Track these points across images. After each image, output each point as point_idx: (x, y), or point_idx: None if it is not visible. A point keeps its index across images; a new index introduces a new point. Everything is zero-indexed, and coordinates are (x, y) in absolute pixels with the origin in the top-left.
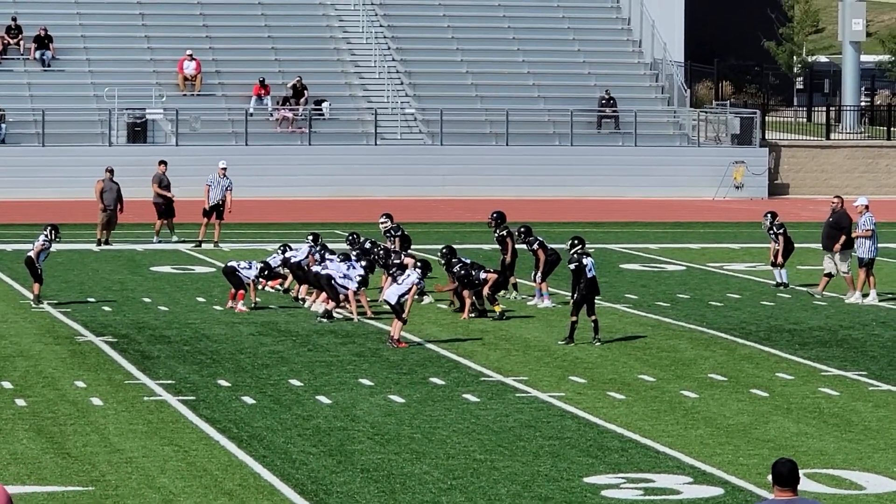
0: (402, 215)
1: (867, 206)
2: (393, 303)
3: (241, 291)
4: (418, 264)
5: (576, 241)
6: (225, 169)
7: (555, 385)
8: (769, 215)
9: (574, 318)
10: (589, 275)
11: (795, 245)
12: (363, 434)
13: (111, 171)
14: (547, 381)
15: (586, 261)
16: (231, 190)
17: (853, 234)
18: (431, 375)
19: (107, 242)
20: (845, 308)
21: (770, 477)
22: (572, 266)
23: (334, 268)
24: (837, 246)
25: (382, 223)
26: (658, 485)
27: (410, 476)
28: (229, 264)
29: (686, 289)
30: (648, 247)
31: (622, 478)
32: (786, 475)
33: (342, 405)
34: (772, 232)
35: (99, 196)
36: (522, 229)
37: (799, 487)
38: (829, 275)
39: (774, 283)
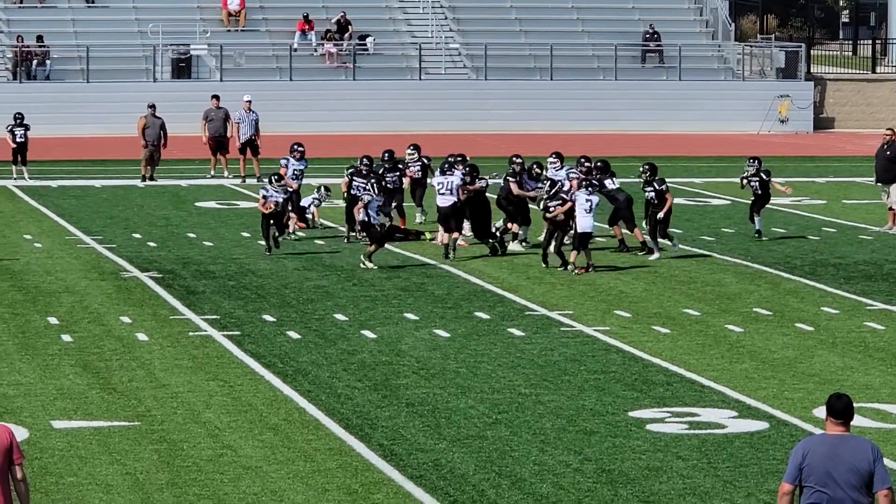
0: (447, 150)
1: None
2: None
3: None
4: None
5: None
6: (250, 102)
7: (599, 319)
8: (755, 161)
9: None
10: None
11: (841, 179)
12: (408, 368)
13: (153, 107)
14: (592, 315)
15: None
16: (258, 122)
17: None
18: (476, 310)
19: (151, 178)
20: (891, 242)
21: (823, 410)
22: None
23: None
24: None
25: (410, 153)
26: (703, 419)
27: (455, 410)
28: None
29: (731, 223)
30: (693, 181)
31: (667, 412)
32: (841, 409)
33: (387, 340)
34: (752, 178)
35: (141, 132)
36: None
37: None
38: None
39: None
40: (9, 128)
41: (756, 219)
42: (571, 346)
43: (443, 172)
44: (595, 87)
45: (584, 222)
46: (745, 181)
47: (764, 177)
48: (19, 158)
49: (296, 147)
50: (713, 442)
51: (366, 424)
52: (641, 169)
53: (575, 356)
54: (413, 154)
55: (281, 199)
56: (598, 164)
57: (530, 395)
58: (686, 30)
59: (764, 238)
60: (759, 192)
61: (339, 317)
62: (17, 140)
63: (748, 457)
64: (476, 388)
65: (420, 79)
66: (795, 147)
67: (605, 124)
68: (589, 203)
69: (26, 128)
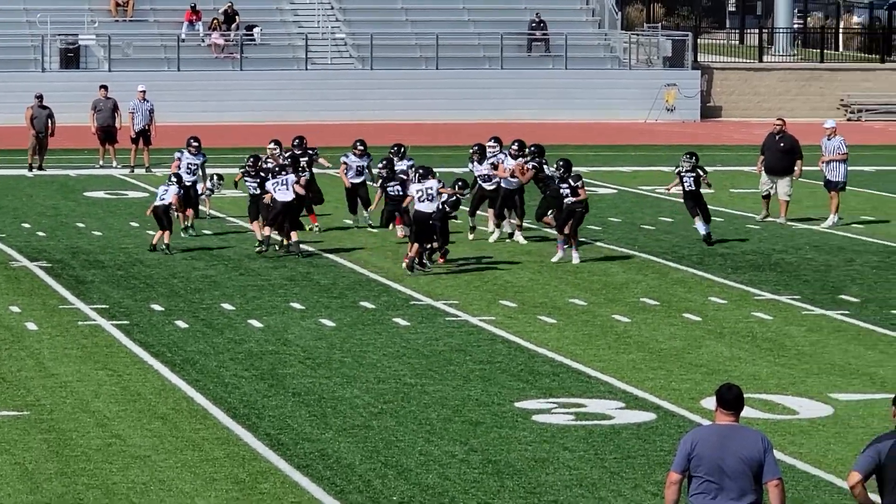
0: (334, 140)
1: (836, 129)
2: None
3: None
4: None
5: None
6: (144, 92)
7: (485, 309)
8: (691, 156)
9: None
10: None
11: (728, 168)
12: (294, 358)
13: (40, 98)
14: (477, 304)
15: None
16: (153, 112)
17: (824, 159)
18: (362, 299)
19: (40, 168)
20: (778, 232)
21: (712, 401)
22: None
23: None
24: (798, 171)
25: (272, 149)
26: (590, 409)
27: (341, 400)
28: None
29: (617, 212)
30: (579, 170)
31: (553, 402)
32: (731, 400)
33: (273, 329)
34: (687, 174)
35: (29, 122)
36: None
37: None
38: (768, 196)
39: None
40: None
41: (700, 224)
42: (457, 336)
43: (419, 180)
44: (481, 77)
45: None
46: (679, 176)
47: (700, 172)
48: None
49: (191, 141)
50: (600, 433)
51: (253, 414)
52: (556, 165)
53: (460, 346)
54: (275, 149)
55: (167, 201)
56: (533, 148)
57: (416, 385)
58: (572, 18)
59: (713, 243)
60: (693, 188)
61: (227, 306)
62: None
63: (635, 448)
64: (362, 378)
65: (306, 69)
66: (682, 136)
67: (492, 113)
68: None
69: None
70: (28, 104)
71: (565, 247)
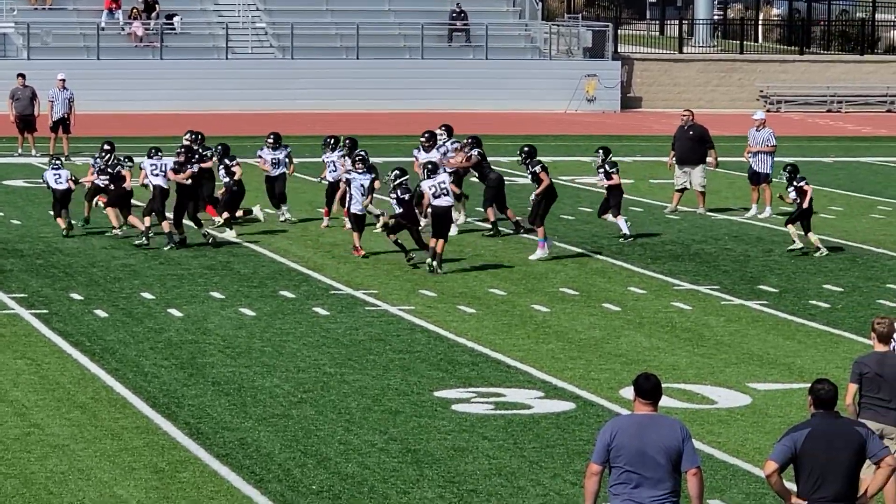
0: (255, 129)
1: (765, 121)
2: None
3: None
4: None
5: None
6: (63, 80)
7: (404, 298)
8: (601, 151)
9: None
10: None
11: (647, 159)
12: (214, 347)
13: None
14: (396, 294)
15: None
16: (73, 101)
17: (750, 150)
18: (281, 288)
19: None
20: (697, 222)
21: (630, 391)
22: None
23: None
24: (713, 161)
25: (187, 139)
26: (509, 399)
27: (261, 389)
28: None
29: None
30: (500, 160)
31: (473, 392)
32: (649, 389)
33: (193, 318)
34: (602, 170)
35: None
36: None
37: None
38: (683, 190)
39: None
40: None
41: (621, 220)
42: (376, 326)
43: (428, 176)
44: (402, 67)
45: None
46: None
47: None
48: None
49: (268, 139)
50: (519, 422)
51: (172, 403)
52: (518, 152)
53: (380, 335)
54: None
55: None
56: (469, 139)
57: (335, 374)
58: (493, 8)
59: (629, 239)
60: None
61: (146, 295)
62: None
63: (554, 437)
64: (281, 367)
65: (227, 58)
66: (602, 126)
67: (413, 103)
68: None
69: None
70: None
71: (545, 242)
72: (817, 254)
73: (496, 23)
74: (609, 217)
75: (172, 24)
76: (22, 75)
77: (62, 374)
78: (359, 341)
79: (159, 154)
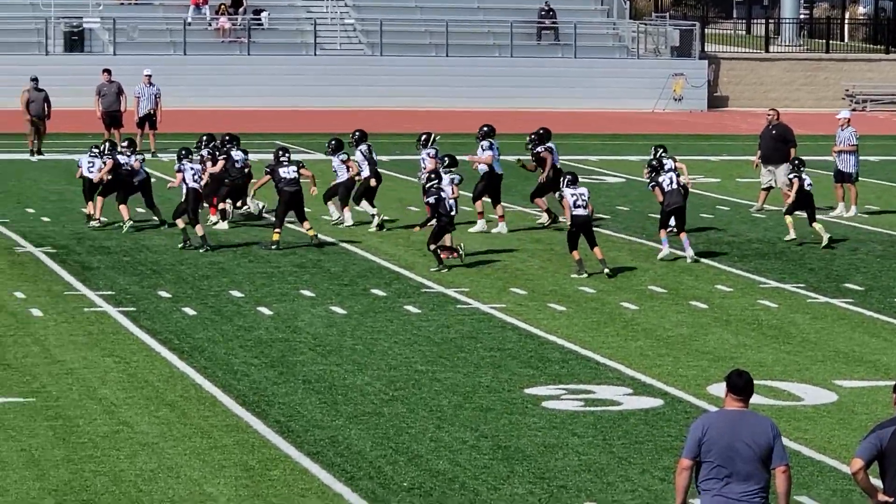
0: (341, 127)
1: (849, 120)
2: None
3: None
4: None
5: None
6: (150, 76)
7: (495, 296)
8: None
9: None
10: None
11: (734, 158)
12: (305, 345)
13: (35, 80)
14: (487, 292)
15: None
16: (160, 97)
17: (836, 149)
18: (373, 287)
19: (39, 152)
20: (783, 221)
21: (720, 387)
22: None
23: None
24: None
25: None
26: (598, 396)
27: (352, 387)
28: None
29: (626, 201)
30: (588, 158)
31: (563, 389)
32: (742, 386)
33: (283, 316)
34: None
35: (25, 106)
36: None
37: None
38: (769, 188)
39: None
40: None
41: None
42: (467, 324)
43: (569, 184)
44: (490, 65)
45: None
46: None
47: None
48: None
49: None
50: (608, 419)
51: (262, 401)
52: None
53: (471, 333)
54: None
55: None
56: (540, 131)
57: (427, 372)
58: (581, 7)
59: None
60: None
61: (235, 293)
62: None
63: (643, 434)
64: (373, 365)
65: (315, 54)
66: (689, 125)
67: (501, 101)
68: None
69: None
70: (24, 87)
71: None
72: (822, 245)
73: (584, 21)
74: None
75: (260, 19)
76: (108, 71)
77: (151, 371)
78: (450, 339)
79: (190, 156)
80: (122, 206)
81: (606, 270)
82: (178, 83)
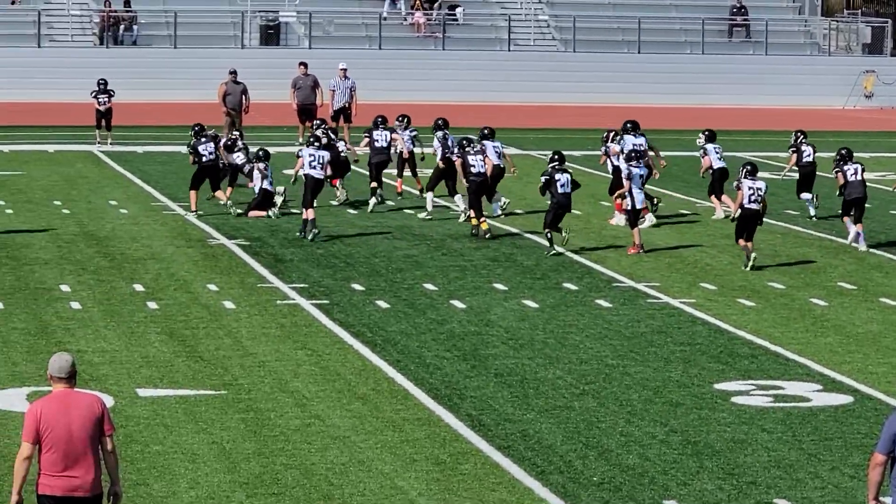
0: (533, 122)
1: None
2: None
3: None
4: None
5: (554, 157)
6: (345, 70)
7: (685, 291)
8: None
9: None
10: (560, 190)
11: None
12: (497, 339)
13: (234, 73)
14: (678, 287)
15: (559, 176)
16: (355, 90)
17: None
18: (564, 281)
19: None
20: None
21: None
22: (543, 179)
23: None
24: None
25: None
26: (788, 392)
27: (544, 381)
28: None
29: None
30: (778, 155)
31: (752, 384)
32: None
33: (476, 310)
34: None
35: (221, 99)
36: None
37: None
38: None
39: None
40: (92, 94)
41: (850, 225)
42: (658, 318)
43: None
44: (682, 61)
45: (640, 198)
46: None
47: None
48: (103, 124)
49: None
50: (798, 415)
51: (454, 394)
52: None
53: (661, 328)
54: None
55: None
56: (628, 124)
57: (617, 366)
58: (773, 4)
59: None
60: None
61: (429, 286)
62: (101, 106)
63: (833, 430)
64: (564, 359)
65: (509, 50)
66: (881, 122)
67: (691, 98)
68: (641, 177)
69: (110, 94)
70: (222, 80)
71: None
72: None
73: (776, 18)
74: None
75: (455, 14)
76: (304, 64)
77: (343, 364)
78: (640, 333)
79: (316, 144)
80: (217, 193)
81: (750, 263)
82: (373, 77)
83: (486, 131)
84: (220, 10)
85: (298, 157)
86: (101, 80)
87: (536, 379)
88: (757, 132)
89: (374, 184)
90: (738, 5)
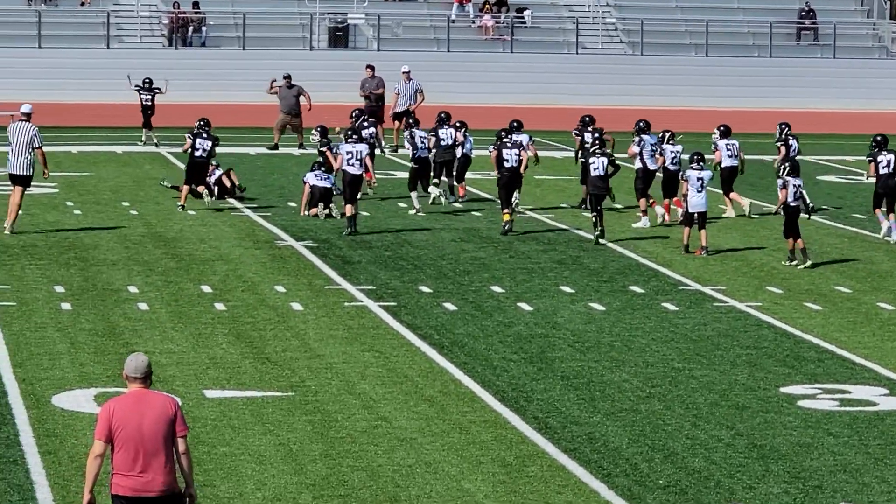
0: (598, 124)
1: None
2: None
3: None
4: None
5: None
6: (408, 72)
7: (752, 295)
8: (784, 126)
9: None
10: (594, 173)
11: None
12: (564, 341)
13: (288, 77)
14: (744, 290)
15: (594, 160)
16: (422, 93)
17: None
18: (631, 284)
19: (300, 146)
20: None
21: None
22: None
23: None
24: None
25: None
26: (854, 396)
27: (610, 384)
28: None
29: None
30: (846, 158)
31: (818, 388)
32: None
33: (543, 312)
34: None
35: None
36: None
37: None
38: None
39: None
40: (135, 87)
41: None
42: (724, 322)
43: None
44: (750, 65)
45: (696, 201)
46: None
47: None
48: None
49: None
50: (864, 419)
51: (521, 397)
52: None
53: (728, 331)
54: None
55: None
56: (640, 123)
57: (683, 369)
58: (841, 7)
59: None
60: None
61: (496, 289)
62: (144, 104)
63: None
64: (630, 362)
65: (577, 53)
66: None
67: (759, 101)
68: (700, 180)
69: (153, 93)
70: (298, 82)
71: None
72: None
73: (844, 21)
74: None
75: (523, 17)
76: (371, 66)
77: (410, 367)
78: (707, 337)
79: (354, 138)
80: (199, 187)
81: (796, 262)
82: (441, 79)
83: (514, 124)
84: (289, 12)
85: (337, 154)
86: (147, 79)
87: (603, 382)
88: (824, 136)
89: (435, 180)
90: (807, 8)
